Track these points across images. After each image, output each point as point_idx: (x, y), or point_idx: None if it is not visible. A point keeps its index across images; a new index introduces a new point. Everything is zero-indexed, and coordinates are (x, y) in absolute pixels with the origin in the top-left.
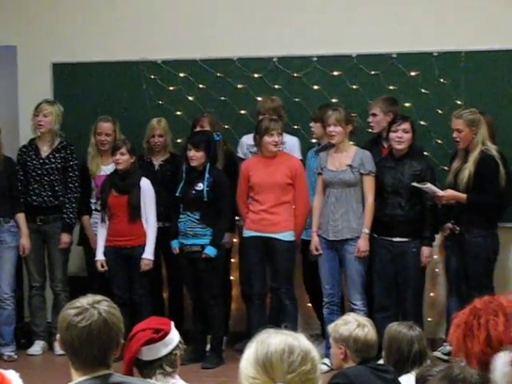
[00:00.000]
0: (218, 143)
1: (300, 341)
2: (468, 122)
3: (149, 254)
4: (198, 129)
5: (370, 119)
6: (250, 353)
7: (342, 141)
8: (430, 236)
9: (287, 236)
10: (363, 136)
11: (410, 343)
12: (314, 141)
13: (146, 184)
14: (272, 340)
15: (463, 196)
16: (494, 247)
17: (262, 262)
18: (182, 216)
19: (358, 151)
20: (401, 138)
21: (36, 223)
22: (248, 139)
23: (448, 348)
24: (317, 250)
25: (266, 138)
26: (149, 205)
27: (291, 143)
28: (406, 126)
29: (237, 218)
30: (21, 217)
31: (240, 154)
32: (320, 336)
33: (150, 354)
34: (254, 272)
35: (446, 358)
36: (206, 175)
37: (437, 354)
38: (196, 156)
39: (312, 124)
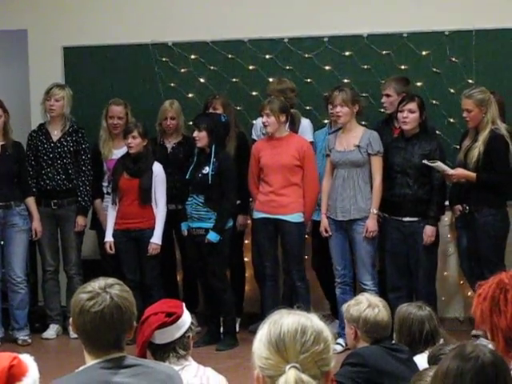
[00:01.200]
0: (229, 125)
1: (313, 321)
2: (477, 102)
3: (157, 238)
4: (210, 111)
5: (384, 100)
6: (263, 333)
7: (349, 121)
8: (435, 215)
9: (296, 217)
10: (375, 116)
11: (420, 323)
12: (332, 119)
13: (157, 168)
14: (285, 320)
15: (473, 175)
16: (504, 225)
17: (272, 243)
18: (189, 199)
19: (366, 132)
20: (406, 117)
21: (50, 207)
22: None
23: None
24: (326, 231)
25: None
26: (159, 189)
27: (303, 125)
28: (412, 105)
29: (250, 199)
30: (31, 201)
31: (254, 137)
32: (331, 316)
33: (162, 337)
34: (265, 253)
35: None
36: (212, 159)
37: None
38: (199, 136)
39: (330, 107)
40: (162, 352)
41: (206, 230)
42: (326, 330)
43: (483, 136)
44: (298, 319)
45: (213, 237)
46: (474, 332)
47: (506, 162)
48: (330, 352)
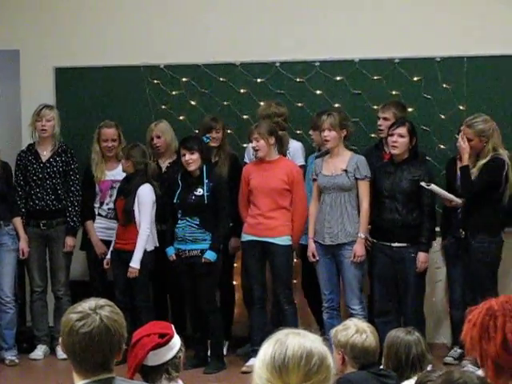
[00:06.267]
0: (224, 147)
1: (317, 346)
2: (478, 132)
3: (134, 261)
4: (213, 134)
5: (381, 122)
6: (267, 353)
7: (337, 145)
8: (427, 242)
9: (284, 240)
10: (365, 141)
11: (407, 348)
12: (314, 145)
13: (142, 189)
14: (290, 342)
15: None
16: (498, 253)
17: (260, 266)
18: (180, 222)
19: (353, 156)
20: (395, 142)
21: (39, 228)
22: None
23: (459, 351)
24: (314, 256)
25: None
26: (142, 211)
27: (295, 148)
28: (402, 130)
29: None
30: (18, 221)
31: (247, 160)
32: None
33: (155, 359)
34: (252, 276)
35: (456, 362)
36: (205, 180)
37: (448, 359)
38: (192, 159)
39: (311, 132)
40: (155, 374)
41: (201, 252)
42: (329, 357)
43: (481, 163)
44: (304, 343)
45: (211, 256)
46: (463, 362)
47: (488, 177)
48: (330, 381)
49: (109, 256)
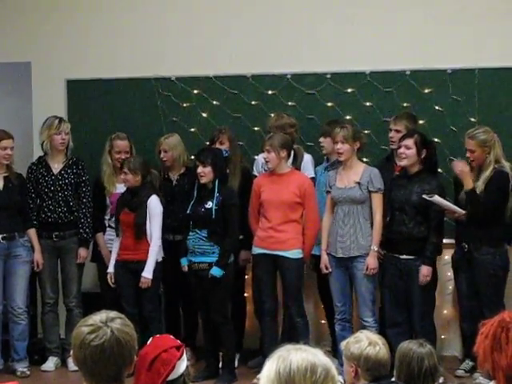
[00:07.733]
0: (234, 159)
1: (320, 358)
2: (480, 143)
3: (147, 272)
4: (217, 145)
5: (392, 134)
6: (271, 369)
7: (350, 158)
8: (431, 256)
9: (294, 254)
10: (377, 153)
11: (420, 360)
12: (324, 154)
13: (152, 201)
14: (293, 357)
15: (470, 184)
16: (503, 264)
17: (271, 279)
18: (190, 233)
19: (367, 168)
20: (402, 153)
21: (52, 239)
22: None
23: (470, 364)
24: (326, 268)
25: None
26: (153, 222)
27: (305, 160)
28: (409, 142)
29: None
30: (32, 232)
31: (255, 172)
32: (330, 353)
33: (175, 372)
34: (264, 289)
35: (468, 375)
36: (216, 193)
37: (459, 372)
38: (204, 172)
39: (321, 139)
40: None
41: (210, 265)
42: (333, 368)
43: (485, 175)
44: (307, 356)
45: (217, 272)
46: (475, 375)
47: (496, 194)
48: None
49: (111, 269)
